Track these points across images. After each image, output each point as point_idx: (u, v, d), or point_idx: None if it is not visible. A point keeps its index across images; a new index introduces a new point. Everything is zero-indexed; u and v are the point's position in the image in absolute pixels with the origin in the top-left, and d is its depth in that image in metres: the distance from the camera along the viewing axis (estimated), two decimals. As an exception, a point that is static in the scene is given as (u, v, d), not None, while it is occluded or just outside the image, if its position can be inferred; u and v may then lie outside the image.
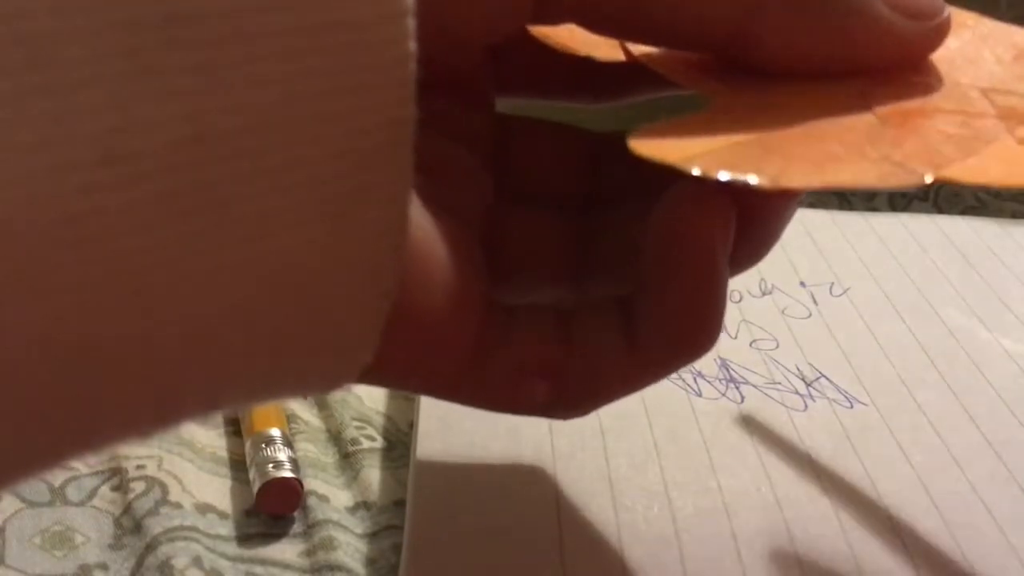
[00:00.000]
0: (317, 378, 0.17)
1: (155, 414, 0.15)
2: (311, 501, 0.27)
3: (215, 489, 0.28)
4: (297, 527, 0.27)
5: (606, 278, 0.22)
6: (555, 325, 0.20)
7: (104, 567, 0.25)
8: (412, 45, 0.14)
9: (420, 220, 0.18)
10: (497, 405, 0.21)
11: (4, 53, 0.11)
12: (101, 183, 0.12)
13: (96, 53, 0.12)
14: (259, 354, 0.15)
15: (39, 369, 0.13)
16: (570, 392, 0.20)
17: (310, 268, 0.15)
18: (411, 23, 0.14)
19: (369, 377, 0.18)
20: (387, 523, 0.27)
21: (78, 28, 0.12)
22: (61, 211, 0.12)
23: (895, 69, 0.19)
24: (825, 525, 0.26)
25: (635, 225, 0.20)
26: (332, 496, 0.28)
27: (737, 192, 0.17)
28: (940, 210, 0.46)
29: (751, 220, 0.19)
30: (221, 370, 0.15)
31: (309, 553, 0.26)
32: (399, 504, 0.28)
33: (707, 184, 0.16)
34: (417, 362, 0.18)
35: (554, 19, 0.19)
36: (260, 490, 0.27)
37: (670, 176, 0.17)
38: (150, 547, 0.26)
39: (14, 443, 0.13)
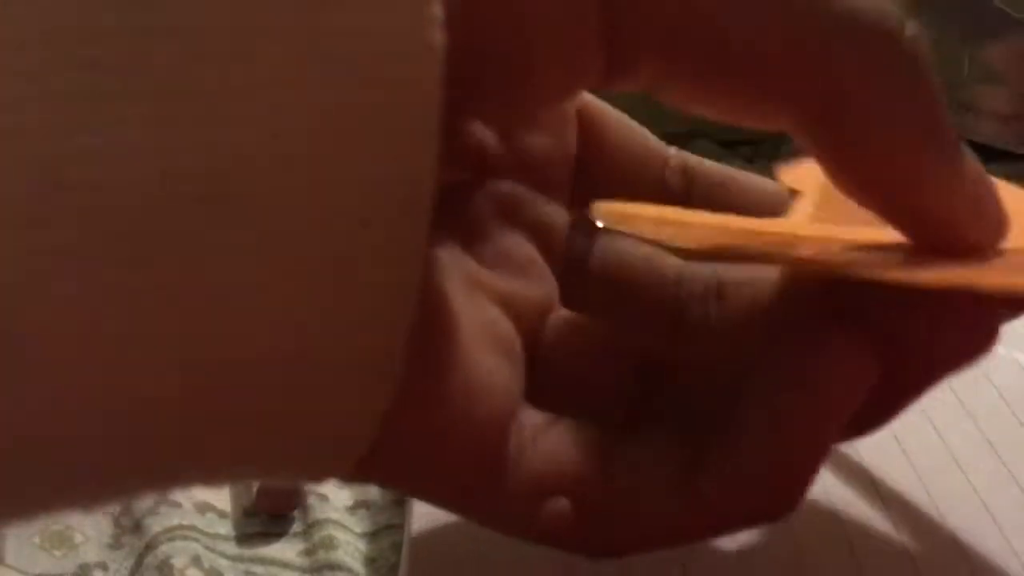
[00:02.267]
0: (296, 468, 0.15)
1: (93, 490, 0.13)
2: (311, 500, 0.27)
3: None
4: (297, 526, 0.27)
5: (663, 424, 0.18)
6: (597, 443, 0.17)
7: (103, 566, 0.25)
8: (437, 82, 0.12)
9: (456, 301, 0.16)
10: (512, 527, 0.18)
11: None
12: (39, 218, 0.10)
13: (45, 64, 0.10)
14: (220, 436, 0.13)
15: None
16: (600, 525, 0.17)
17: (291, 341, 0.13)
18: (438, 61, 0.12)
19: (365, 473, 0.15)
20: (387, 522, 0.27)
21: (23, 33, 0.10)
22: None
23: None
24: (826, 525, 0.26)
25: (709, 365, 0.18)
26: (332, 495, 0.28)
27: (886, 353, 0.15)
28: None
29: (887, 388, 0.16)
30: (174, 451, 0.13)
31: (309, 552, 0.26)
32: (399, 503, 0.28)
33: (855, 337, 0.15)
34: (424, 462, 0.16)
35: (629, 80, 0.16)
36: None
37: (764, 321, 0.17)
38: (149, 546, 0.26)
39: None
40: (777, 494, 0.16)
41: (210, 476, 0.14)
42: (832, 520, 0.26)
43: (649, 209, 0.20)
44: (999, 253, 0.17)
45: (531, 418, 0.17)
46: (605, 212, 0.20)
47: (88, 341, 0.11)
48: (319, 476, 0.15)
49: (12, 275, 0.10)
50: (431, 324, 0.15)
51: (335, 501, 0.28)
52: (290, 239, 0.12)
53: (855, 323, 0.16)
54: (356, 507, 0.28)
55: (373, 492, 0.28)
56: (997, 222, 0.17)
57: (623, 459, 0.17)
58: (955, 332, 0.17)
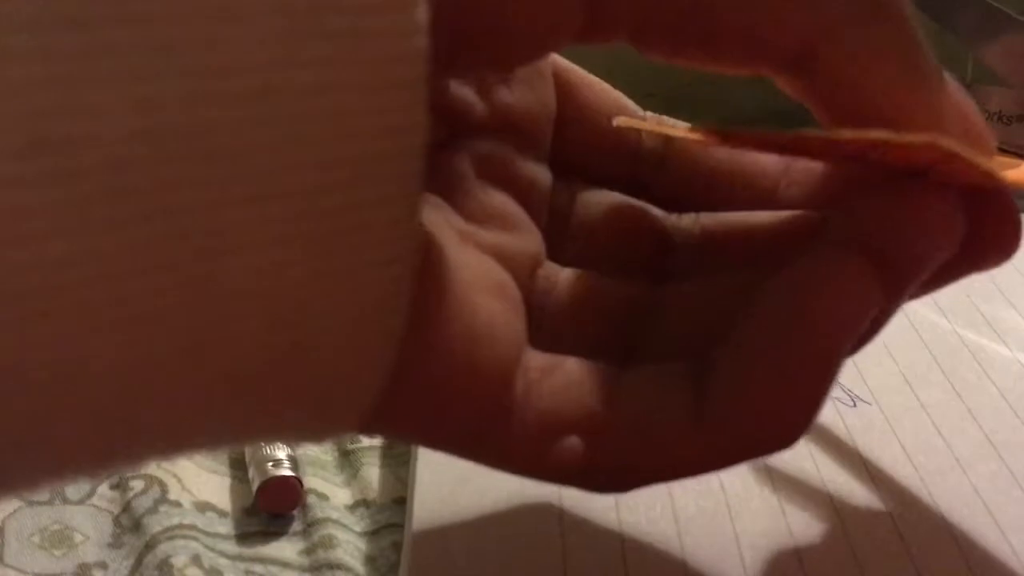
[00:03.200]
0: (302, 425, 0.15)
1: (99, 452, 0.13)
2: (311, 499, 0.27)
3: (214, 487, 0.28)
4: (297, 525, 0.27)
5: (661, 355, 0.19)
6: (603, 380, 0.17)
7: (103, 566, 0.25)
8: (423, 40, 0.12)
9: (450, 251, 0.16)
10: (522, 467, 0.17)
11: None
12: (22, 176, 0.10)
13: (32, 18, 0.10)
14: (220, 395, 0.13)
15: None
16: (610, 460, 0.17)
17: (286, 296, 0.12)
18: (423, 15, 0.12)
19: (375, 425, 0.15)
20: (387, 521, 0.27)
21: None
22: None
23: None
24: (827, 526, 0.26)
25: (701, 303, 0.19)
26: (332, 494, 0.28)
27: (887, 277, 0.16)
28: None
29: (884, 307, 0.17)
30: (175, 409, 0.13)
31: (309, 551, 0.26)
32: (399, 502, 0.28)
33: (862, 266, 0.15)
34: (432, 409, 0.16)
35: (607, 32, 0.16)
36: (259, 488, 0.27)
37: (749, 252, 0.17)
38: (149, 546, 0.26)
39: None
40: (787, 419, 0.16)
41: (221, 436, 0.15)
42: (832, 519, 0.26)
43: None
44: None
45: (536, 360, 0.17)
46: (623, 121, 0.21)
47: (83, 302, 0.11)
48: (329, 431, 0.15)
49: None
50: (429, 274, 0.15)
51: (335, 500, 0.28)
52: (284, 192, 0.12)
53: (859, 250, 0.16)
54: (356, 506, 0.28)
55: (373, 492, 0.28)
56: (983, 138, 0.17)
57: (630, 393, 0.17)
58: (950, 242, 0.17)
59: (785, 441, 0.16)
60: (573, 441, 0.17)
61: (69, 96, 0.10)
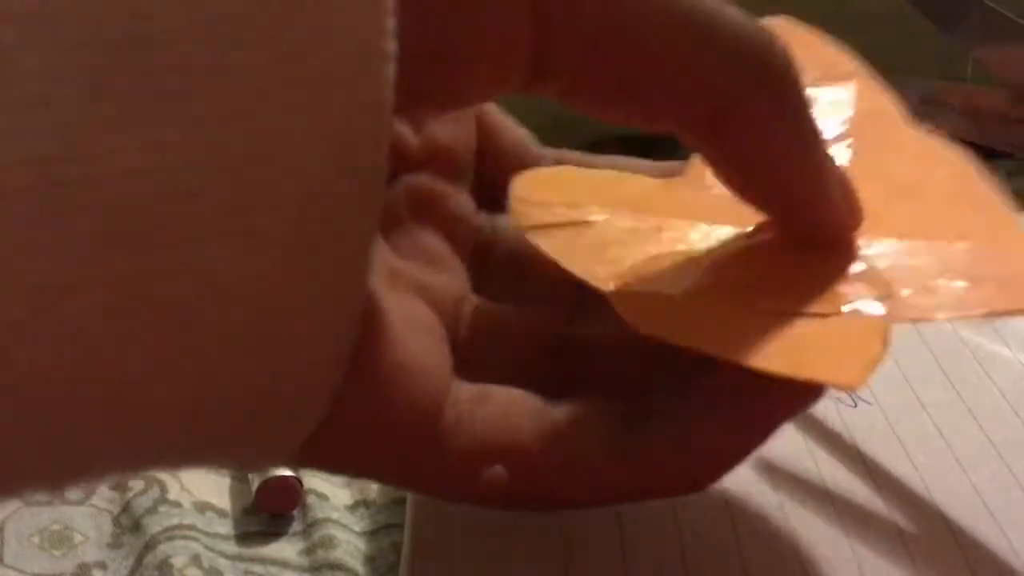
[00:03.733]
0: (244, 449, 0.16)
1: (50, 471, 0.14)
2: (310, 499, 0.27)
3: (214, 487, 0.28)
4: (296, 525, 0.27)
5: (585, 388, 0.20)
6: (532, 411, 0.19)
7: (103, 566, 0.25)
8: (389, 93, 0.13)
9: (380, 289, 0.17)
10: (449, 493, 0.19)
11: None
12: (34, 213, 0.11)
13: (52, 70, 0.11)
14: (177, 414, 0.14)
15: None
16: (534, 488, 0.19)
17: (253, 326, 0.13)
18: (390, 71, 0.13)
19: (310, 455, 0.16)
20: (387, 521, 0.27)
21: (34, 40, 0.11)
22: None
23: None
24: (827, 525, 0.26)
25: (624, 348, 0.20)
26: (331, 494, 0.28)
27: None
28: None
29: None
30: (131, 427, 0.13)
31: (308, 551, 0.26)
32: (399, 502, 0.28)
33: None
34: (365, 442, 0.17)
35: (546, 88, 0.18)
36: (259, 488, 0.27)
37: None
38: (149, 546, 0.26)
39: None
40: (718, 469, 0.19)
41: (159, 461, 0.15)
42: (833, 519, 0.26)
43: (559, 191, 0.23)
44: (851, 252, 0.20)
45: (465, 392, 0.18)
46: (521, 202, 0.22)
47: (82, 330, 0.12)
48: (263, 461, 0.17)
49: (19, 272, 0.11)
50: (364, 313, 0.16)
51: (335, 500, 0.28)
52: (264, 225, 0.13)
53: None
54: (356, 506, 0.28)
55: (373, 492, 0.28)
56: (855, 213, 0.20)
57: (558, 425, 0.19)
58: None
59: (705, 486, 0.19)
60: (498, 470, 0.18)
61: (76, 141, 0.11)
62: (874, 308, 0.19)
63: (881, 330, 0.18)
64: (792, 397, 0.19)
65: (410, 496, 0.26)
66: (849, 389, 0.19)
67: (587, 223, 0.22)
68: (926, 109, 0.47)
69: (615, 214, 0.22)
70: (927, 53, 0.47)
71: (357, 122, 0.13)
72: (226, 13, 0.12)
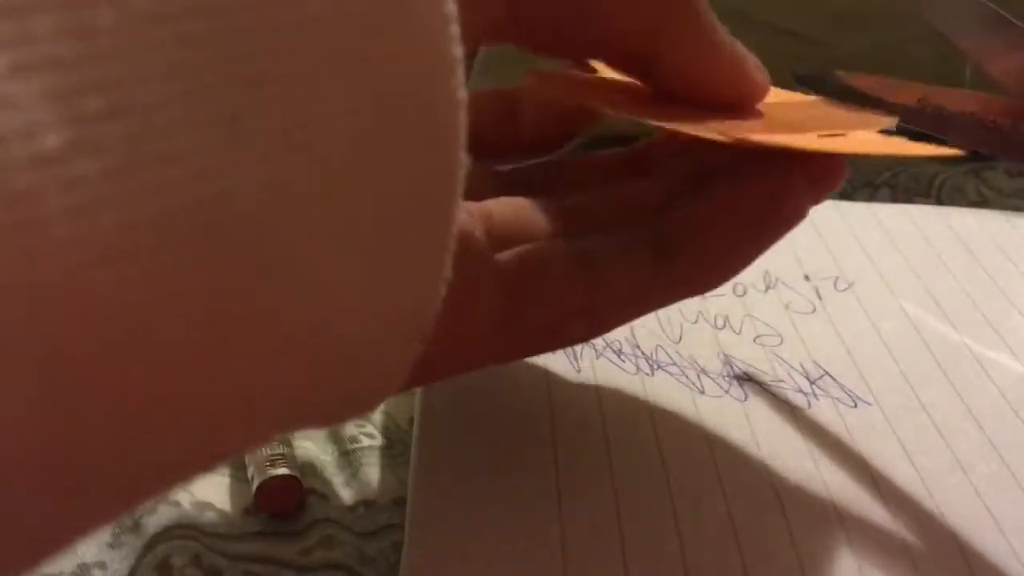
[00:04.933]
0: (353, 404, 0.17)
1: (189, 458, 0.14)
2: (310, 499, 0.27)
3: (214, 487, 0.28)
4: (296, 525, 0.27)
5: (608, 230, 0.23)
6: (577, 264, 0.22)
7: (102, 566, 0.25)
8: (463, 94, 0.14)
9: None
10: (536, 351, 0.24)
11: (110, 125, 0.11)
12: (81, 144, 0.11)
13: (194, 118, 0.11)
14: (296, 391, 0.15)
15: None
16: (601, 322, 0.23)
17: (352, 310, 0.14)
18: (461, 75, 0.14)
19: (409, 383, 0.18)
20: (387, 521, 0.27)
21: (177, 90, 0.11)
22: (145, 290, 0.11)
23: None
24: (827, 525, 0.26)
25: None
26: (331, 494, 0.28)
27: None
28: (942, 205, 0.46)
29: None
30: (259, 409, 0.14)
31: (308, 552, 0.26)
32: (399, 502, 0.28)
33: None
34: (448, 350, 0.19)
35: (515, 33, 0.22)
36: (259, 488, 0.27)
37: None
38: (148, 546, 0.26)
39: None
40: (729, 274, 0.23)
41: (282, 429, 0.16)
42: (832, 519, 0.26)
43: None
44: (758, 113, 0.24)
45: (524, 273, 0.21)
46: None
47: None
48: (370, 406, 0.18)
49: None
50: None
51: (335, 501, 0.28)
52: (361, 230, 0.14)
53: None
54: (356, 507, 0.28)
55: (373, 492, 0.28)
56: (758, 84, 0.24)
57: (606, 266, 0.22)
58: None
59: (721, 283, 0.23)
60: (578, 325, 0.23)
61: (219, 183, 0.12)
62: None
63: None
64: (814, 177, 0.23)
65: (410, 496, 0.26)
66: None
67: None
68: (921, 112, 0.47)
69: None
70: (924, 56, 0.47)
71: (439, 131, 0.14)
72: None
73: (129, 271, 0.11)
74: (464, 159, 0.15)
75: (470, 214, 0.21)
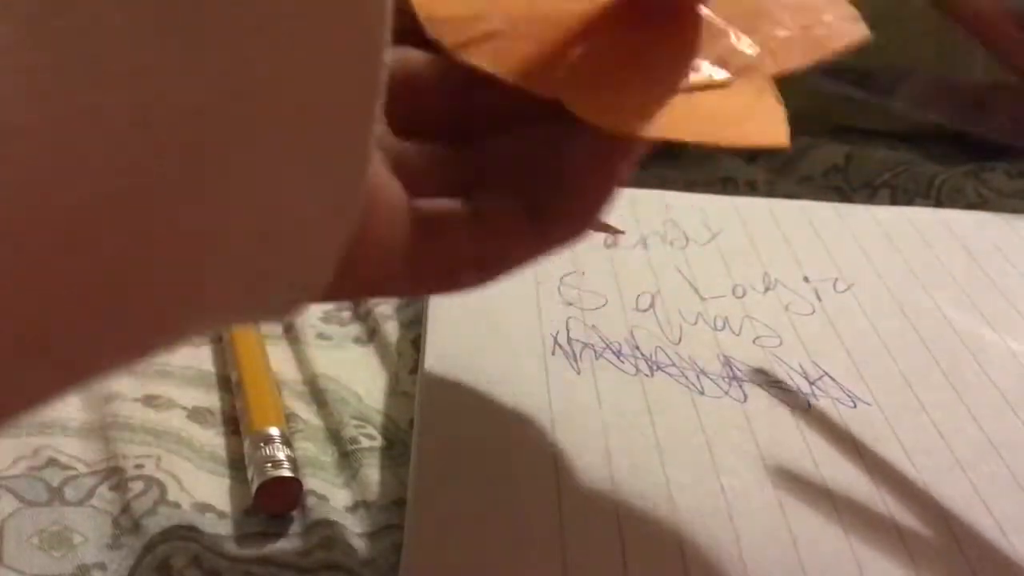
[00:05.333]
0: (283, 301, 0.19)
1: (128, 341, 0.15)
2: (310, 500, 0.27)
3: (214, 488, 0.28)
4: (296, 526, 0.27)
5: (496, 191, 0.25)
6: (469, 220, 0.24)
7: (102, 567, 0.25)
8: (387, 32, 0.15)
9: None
10: (432, 291, 0.29)
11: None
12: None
13: (133, 15, 0.12)
14: (235, 278, 0.16)
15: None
16: (488, 271, 0.25)
17: (291, 207, 0.16)
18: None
19: (327, 294, 0.19)
20: (386, 522, 0.27)
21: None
22: (86, 183, 0.12)
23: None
24: (827, 525, 0.26)
25: (518, 145, 0.25)
26: (331, 495, 0.28)
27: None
28: (942, 207, 0.46)
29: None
30: (197, 293, 0.16)
31: (308, 553, 0.26)
32: (399, 503, 0.28)
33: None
34: (366, 271, 0.21)
35: None
36: (259, 489, 0.27)
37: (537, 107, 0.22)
38: (148, 547, 0.26)
39: None
40: (591, 222, 0.25)
41: (214, 320, 0.18)
42: (833, 519, 0.26)
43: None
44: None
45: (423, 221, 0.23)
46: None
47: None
48: (299, 304, 0.19)
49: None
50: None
51: (334, 501, 0.28)
52: (299, 141, 0.15)
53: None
54: (356, 507, 0.28)
55: (373, 493, 0.28)
56: None
57: (490, 221, 0.24)
58: None
59: (585, 231, 0.25)
60: (471, 272, 0.24)
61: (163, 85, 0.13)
62: (750, 71, 0.22)
63: (769, 87, 0.22)
64: None
65: (410, 497, 0.26)
66: (781, 148, 0.21)
67: (499, 32, 0.24)
68: (928, 103, 0.47)
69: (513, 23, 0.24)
70: (928, 52, 0.48)
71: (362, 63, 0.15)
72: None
73: (70, 161, 0.12)
74: (388, 58, 0.16)
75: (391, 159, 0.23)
